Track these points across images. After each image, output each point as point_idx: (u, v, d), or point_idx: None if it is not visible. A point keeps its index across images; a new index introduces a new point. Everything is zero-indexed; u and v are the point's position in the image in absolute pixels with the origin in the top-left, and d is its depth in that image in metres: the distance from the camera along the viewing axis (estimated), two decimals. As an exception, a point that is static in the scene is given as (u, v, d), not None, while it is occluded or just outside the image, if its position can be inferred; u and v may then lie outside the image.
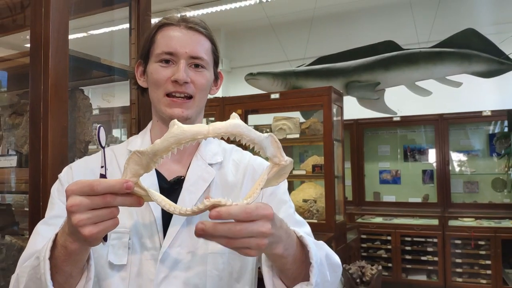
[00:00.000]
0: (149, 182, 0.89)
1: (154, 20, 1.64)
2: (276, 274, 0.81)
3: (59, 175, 0.97)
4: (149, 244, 0.88)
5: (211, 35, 0.98)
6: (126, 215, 0.88)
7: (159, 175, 0.94)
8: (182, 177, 0.94)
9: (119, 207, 0.70)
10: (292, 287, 0.79)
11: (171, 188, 0.94)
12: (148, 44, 0.97)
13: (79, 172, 0.95)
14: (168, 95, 0.92)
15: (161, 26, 0.95)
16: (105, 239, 0.74)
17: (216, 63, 1.01)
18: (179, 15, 0.97)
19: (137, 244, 0.88)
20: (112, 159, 0.97)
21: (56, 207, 0.91)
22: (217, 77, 1.03)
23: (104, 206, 0.67)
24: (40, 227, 0.90)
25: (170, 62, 0.92)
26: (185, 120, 0.92)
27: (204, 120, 1.03)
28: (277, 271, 0.80)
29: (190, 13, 0.99)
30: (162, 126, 0.97)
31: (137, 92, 1.55)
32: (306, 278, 0.78)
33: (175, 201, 0.89)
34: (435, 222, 4.62)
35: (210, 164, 0.97)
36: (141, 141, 0.99)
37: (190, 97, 0.93)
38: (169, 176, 0.96)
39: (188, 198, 0.91)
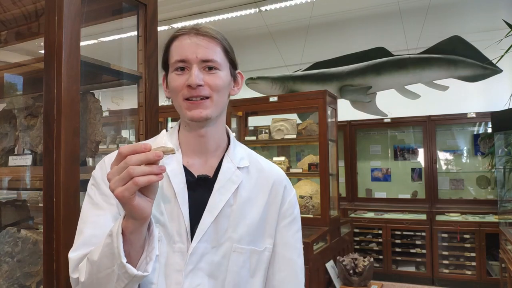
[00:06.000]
0: (178, 179, 0.91)
1: (160, 28, 1.64)
2: None
3: (93, 173, 0.95)
4: (177, 238, 0.88)
5: (223, 37, 0.96)
6: (157, 210, 0.89)
7: (188, 172, 0.94)
8: (209, 177, 0.94)
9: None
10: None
11: (197, 182, 0.93)
12: (165, 56, 0.96)
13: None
14: (187, 99, 0.91)
15: (174, 37, 0.94)
16: None
17: (232, 64, 0.99)
18: (191, 24, 0.96)
19: (166, 237, 0.89)
20: None
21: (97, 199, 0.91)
22: (235, 77, 1.01)
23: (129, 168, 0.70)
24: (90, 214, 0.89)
25: (185, 69, 0.91)
26: (205, 120, 0.92)
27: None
28: None
29: (201, 22, 0.98)
30: (189, 130, 0.96)
31: (144, 95, 1.56)
32: None
33: (203, 197, 0.91)
34: (423, 217, 4.63)
35: (239, 168, 0.97)
36: (170, 142, 0.98)
37: (207, 98, 0.92)
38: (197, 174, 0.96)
39: (219, 199, 0.92)
